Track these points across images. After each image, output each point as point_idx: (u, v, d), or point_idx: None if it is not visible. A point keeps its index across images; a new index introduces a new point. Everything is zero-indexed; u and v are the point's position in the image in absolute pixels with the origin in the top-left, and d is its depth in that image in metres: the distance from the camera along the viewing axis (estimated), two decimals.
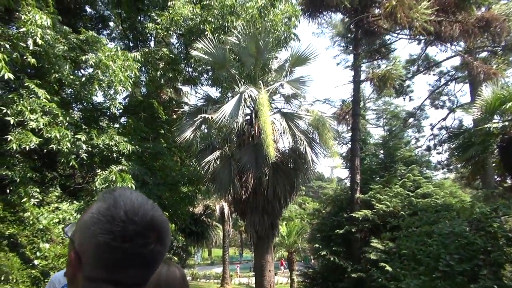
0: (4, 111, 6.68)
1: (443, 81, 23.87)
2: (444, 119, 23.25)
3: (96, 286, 0.81)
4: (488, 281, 5.63)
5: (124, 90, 8.79)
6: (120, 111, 11.88)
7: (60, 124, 7.44)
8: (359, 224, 14.28)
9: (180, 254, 22.91)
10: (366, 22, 15.17)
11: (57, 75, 8.05)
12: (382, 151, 18.60)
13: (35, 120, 6.80)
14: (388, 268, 11.15)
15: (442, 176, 24.59)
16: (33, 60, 6.58)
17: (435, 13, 12.18)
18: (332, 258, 14.32)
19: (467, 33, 12.85)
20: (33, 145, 6.72)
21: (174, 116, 13.65)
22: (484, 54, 19.78)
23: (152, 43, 14.27)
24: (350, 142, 17.40)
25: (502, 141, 10.32)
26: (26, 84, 6.95)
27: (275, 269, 14.52)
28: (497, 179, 11.85)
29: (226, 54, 10.32)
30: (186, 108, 12.45)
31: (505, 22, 12.36)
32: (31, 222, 7.26)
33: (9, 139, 6.62)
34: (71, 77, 8.18)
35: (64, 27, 8.21)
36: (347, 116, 18.93)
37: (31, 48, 6.42)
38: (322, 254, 14.91)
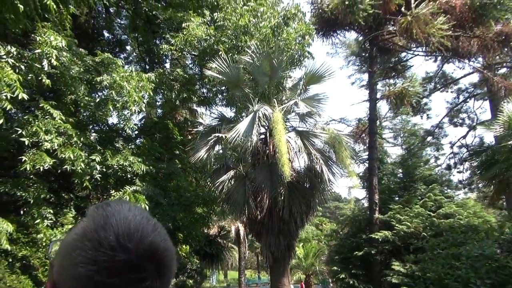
0: (19, 132, 6.72)
1: (461, 98, 23.41)
2: (464, 137, 22.66)
3: None
4: None
5: (138, 111, 8.83)
6: (136, 132, 11.99)
7: (75, 145, 7.45)
8: (378, 246, 13.81)
9: (194, 277, 22.57)
10: (381, 40, 15.07)
11: (72, 97, 8.12)
12: (400, 170, 18.17)
13: (49, 141, 6.82)
14: None
15: (464, 196, 23.86)
16: (48, 81, 6.65)
17: (452, 28, 11.99)
18: (351, 282, 13.84)
19: (486, 48, 12.59)
20: (47, 166, 6.71)
21: (189, 137, 13.66)
22: (503, 70, 19.40)
23: (167, 65, 14.47)
24: (367, 161, 17.07)
25: None
26: (41, 105, 7.00)
27: None
28: None
29: (240, 73, 10.30)
30: (200, 128, 12.42)
31: None
32: (44, 244, 7.18)
33: (23, 160, 6.63)
34: (87, 98, 8.24)
35: (80, 49, 8.34)
36: (364, 135, 18.64)
37: (46, 69, 6.48)
38: (341, 277, 14.45)
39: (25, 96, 6.19)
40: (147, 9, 11.60)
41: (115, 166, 8.70)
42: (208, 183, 12.04)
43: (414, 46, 15.35)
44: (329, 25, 14.90)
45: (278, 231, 9.88)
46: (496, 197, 12.97)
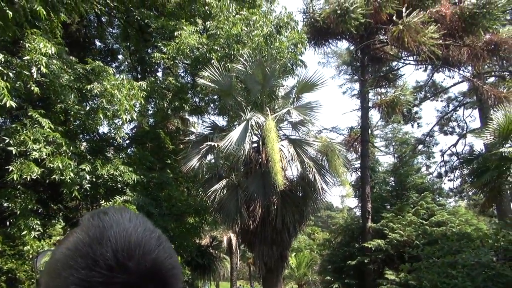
0: (7, 141, 6.56)
1: (451, 107, 23.70)
2: (454, 145, 22.87)
3: None
4: None
5: (130, 120, 8.71)
6: (127, 141, 11.85)
7: (64, 154, 7.29)
8: (371, 255, 13.75)
9: None
10: (372, 49, 15.19)
11: (62, 105, 7.99)
12: (392, 179, 18.23)
13: (38, 150, 6.66)
14: None
15: (454, 204, 24.02)
16: (36, 89, 6.52)
17: (442, 37, 12.14)
18: None
19: (476, 57, 12.75)
20: (35, 176, 6.55)
21: (181, 146, 13.55)
22: (492, 79, 19.67)
23: (159, 74, 14.40)
24: (359, 170, 17.08)
25: None
26: (30, 113, 6.86)
27: None
28: None
29: (232, 82, 10.27)
30: (192, 137, 12.32)
31: None
32: (30, 256, 6.98)
33: (10, 169, 6.46)
34: (77, 107, 8.11)
35: (71, 57, 8.23)
36: (356, 143, 18.68)
37: (35, 76, 6.36)
38: (334, 286, 14.37)
39: (13, 104, 6.05)
40: (139, 18, 11.54)
41: (105, 176, 8.55)
42: (200, 192, 11.90)
43: (405, 55, 15.51)
44: (321, 34, 14.99)
45: (271, 241, 9.76)
46: (487, 204, 13.00)
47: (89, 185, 8.01)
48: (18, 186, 7.30)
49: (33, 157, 6.61)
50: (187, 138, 12.53)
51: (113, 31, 15.30)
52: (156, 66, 13.88)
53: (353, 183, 19.84)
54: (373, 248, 13.51)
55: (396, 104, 14.35)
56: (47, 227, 8.13)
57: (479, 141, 18.36)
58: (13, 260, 6.80)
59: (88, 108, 8.38)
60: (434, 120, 24.96)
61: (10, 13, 5.77)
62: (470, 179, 12.47)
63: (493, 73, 19.16)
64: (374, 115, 21.01)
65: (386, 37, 13.68)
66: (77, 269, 0.52)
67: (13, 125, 6.79)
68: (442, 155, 23.94)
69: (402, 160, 19.52)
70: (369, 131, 18.58)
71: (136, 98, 8.54)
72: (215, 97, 12.94)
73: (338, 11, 12.56)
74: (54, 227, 8.64)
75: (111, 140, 11.03)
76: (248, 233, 10.03)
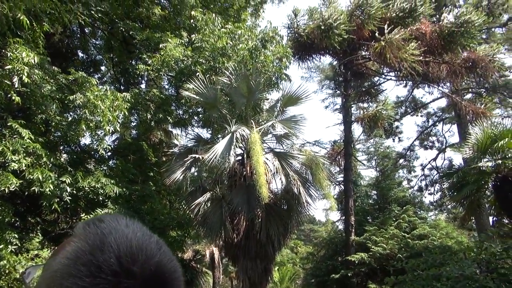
0: None
1: (431, 122, 24.26)
2: (434, 159, 23.35)
3: None
4: None
5: (113, 131, 8.59)
6: (109, 153, 11.65)
7: (44, 166, 7.12)
8: (355, 268, 13.77)
9: None
10: (355, 64, 15.50)
11: (43, 116, 7.83)
12: (375, 192, 18.43)
13: (17, 161, 6.49)
14: None
15: (434, 217, 24.37)
16: (17, 99, 6.38)
17: (422, 54, 12.50)
18: None
19: (454, 74, 13.16)
20: (13, 187, 6.36)
21: (164, 159, 13.41)
22: (469, 95, 20.26)
23: (143, 85, 14.31)
24: (342, 184, 17.20)
25: (496, 180, 10.24)
26: (9, 123, 6.69)
27: None
28: (494, 219, 11.64)
29: (217, 94, 10.27)
30: (176, 149, 12.21)
31: (490, 63, 12.72)
32: (7, 271, 6.73)
33: None
34: (58, 117, 7.96)
35: (53, 67, 8.12)
36: (339, 157, 18.86)
37: (16, 86, 6.23)
38: None
39: None
40: (123, 30, 11.49)
41: (86, 188, 8.36)
42: (183, 205, 11.75)
43: (386, 71, 15.86)
44: (305, 49, 15.22)
45: (255, 254, 9.66)
46: (467, 217, 13.25)
47: (69, 198, 7.83)
48: None
49: (12, 168, 6.43)
50: (171, 150, 12.42)
51: (96, 42, 15.17)
52: (140, 78, 13.81)
53: (335, 196, 19.97)
54: (356, 262, 13.55)
55: (378, 118, 14.62)
56: (25, 240, 7.88)
57: (458, 156, 18.78)
58: None
59: (70, 119, 8.22)
60: (415, 135, 25.51)
61: None
62: (450, 192, 12.71)
63: (470, 90, 19.76)
64: (356, 129, 21.35)
65: (368, 53, 14.00)
66: (81, 277, 0.50)
67: None
68: (423, 169, 24.39)
69: (384, 173, 19.79)
70: (352, 145, 18.82)
71: (120, 109, 8.45)
72: (199, 109, 12.90)
73: (322, 27, 12.80)
74: (32, 241, 8.37)
75: (92, 152, 10.84)
76: (232, 247, 9.91)
